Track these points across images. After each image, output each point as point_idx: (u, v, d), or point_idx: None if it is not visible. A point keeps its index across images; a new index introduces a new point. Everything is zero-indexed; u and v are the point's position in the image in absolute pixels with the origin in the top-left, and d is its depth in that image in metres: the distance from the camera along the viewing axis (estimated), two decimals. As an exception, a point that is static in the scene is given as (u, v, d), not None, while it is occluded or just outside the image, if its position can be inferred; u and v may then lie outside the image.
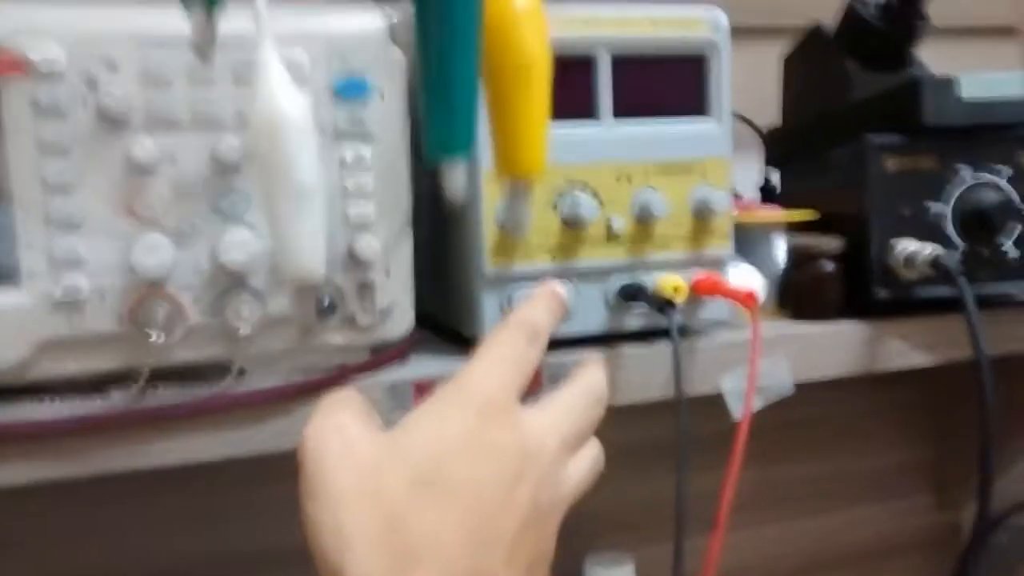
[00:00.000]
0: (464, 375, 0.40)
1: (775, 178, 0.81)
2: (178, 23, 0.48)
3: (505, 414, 0.39)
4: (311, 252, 0.39)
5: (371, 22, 0.51)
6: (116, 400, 0.48)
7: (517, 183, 0.44)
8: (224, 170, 0.49)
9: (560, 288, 0.47)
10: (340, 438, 0.38)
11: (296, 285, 0.40)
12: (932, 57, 0.72)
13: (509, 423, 0.39)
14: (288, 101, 0.38)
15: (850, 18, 0.69)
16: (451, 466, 0.37)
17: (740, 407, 0.58)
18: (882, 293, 0.62)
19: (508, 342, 0.42)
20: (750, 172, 0.83)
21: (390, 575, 0.34)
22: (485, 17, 0.38)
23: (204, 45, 0.41)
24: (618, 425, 0.86)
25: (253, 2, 0.39)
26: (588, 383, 0.44)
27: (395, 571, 0.35)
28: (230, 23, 0.49)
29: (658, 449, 0.87)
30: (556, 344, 0.55)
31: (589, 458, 0.43)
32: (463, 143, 0.40)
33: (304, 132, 0.38)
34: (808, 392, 0.60)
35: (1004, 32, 0.84)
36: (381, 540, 0.35)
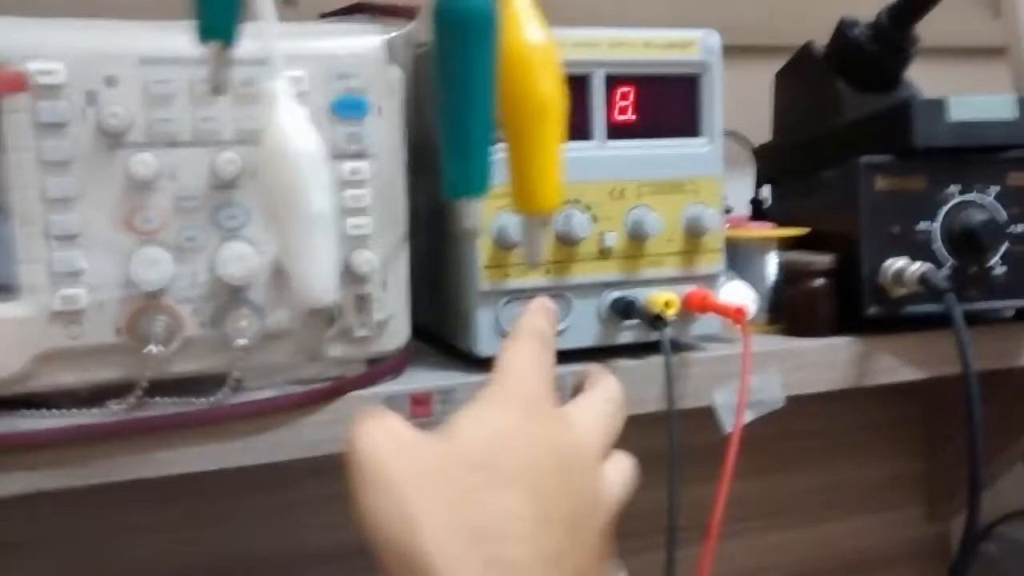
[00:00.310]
0: (501, 378, 0.41)
1: (766, 193, 0.82)
2: (178, 41, 0.49)
3: (550, 408, 0.40)
4: (323, 278, 0.40)
5: (369, 41, 0.52)
6: (115, 411, 0.49)
7: (534, 218, 0.45)
8: (223, 185, 0.50)
9: (549, 301, 0.48)
10: (391, 435, 0.37)
11: (308, 309, 0.41)
12: (921, 77, 0.73)
13: (555, 416, 0.40)
14: (301, 135, 0.39)
15: (841, 39, 0.70)
16: (507, 454, 0.37)
17: (731, 421, 0.58)
18: (872, 309, 0.63)
19: (528, 348, 0.43)
20: (741, 187, 0.84)
21: (470, 550, 0.34)
22: (501, 63, 0.39)
23: (219, 79, 0.42)
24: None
25: (265, 36, 0.40)
26: (609, 390, 0.45)
27: (475, 546, 0.34)
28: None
29: (649, 459, 0.88)
30: (550, 358, 0.56)
31: (626, 468, 0.44)
32: (479, 186, 0.41)
33: (316, 165, 0.38)
34: (800, 405, 0.61)
35: (992, 52, 0.85)
36: (452, 519, 0.34)
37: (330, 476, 0.80)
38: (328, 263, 0.40)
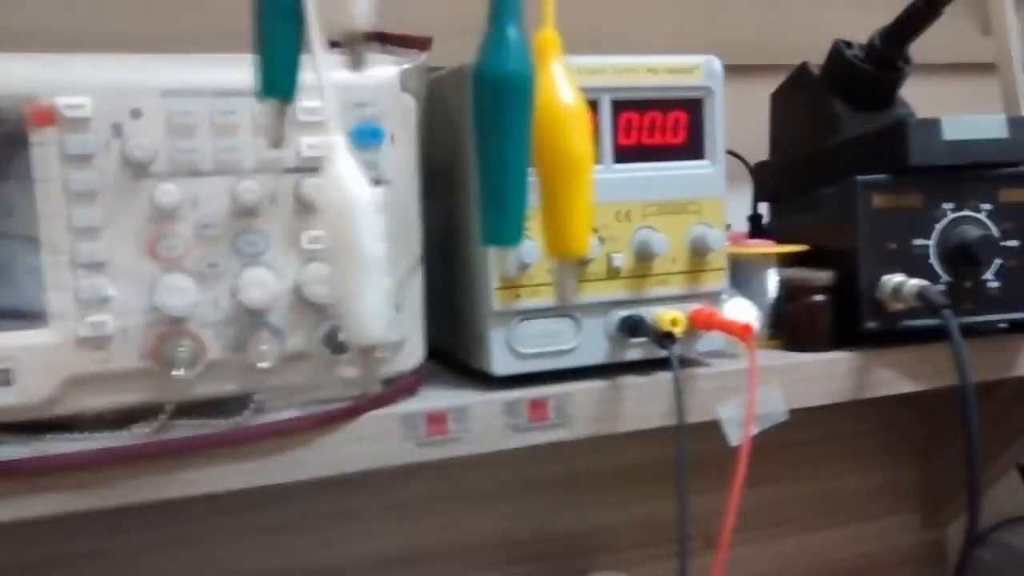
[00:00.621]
0: None
1: (764, 210, 0.84)
2: (199, 74, 0.51)
3: None
4: (377, 318, 0.41)
5: (384, 72, 0.54)
6: (140, 434, 0.50)
7: (565, 262, 0.47)
8: (244, 213, 0.52)
9: None
10: None
11: (362, 347, 0.43)
12: (913, 94, 0.75)
13: None
14: (356, 186, 0.40)
15: (836, 59, 0.72)
16: None
17: (736, 434, 0.60)
18: (871, 324, 0.65)
19: None
20: (738, 204, 0.86)
21: None
22: (536, 123, 0.41)
23: (278, 133, 0.44)
24: (617, 449, 0.88)
25: (323, 94, 0.41)
26: None
27: None
28: (249, 75, 0.52)
29: (654, 471, 0.91)
30: (561, 375, 0.58)
31: None
32: (514, 236, 0.43)
33: (371, 213, 0.40)
34: (797, 414, 0.63)
35: (984, 69, 0.87)
36: None
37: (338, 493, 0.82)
38: (380, 304, 0.42)
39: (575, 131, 0.42)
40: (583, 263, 0.55)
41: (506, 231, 0.41)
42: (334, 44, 0.43)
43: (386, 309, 0.41)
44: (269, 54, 0.42)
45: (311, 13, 0.40)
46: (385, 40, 0.56)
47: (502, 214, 0.41)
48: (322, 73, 0.41)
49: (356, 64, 0.41)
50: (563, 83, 0.42)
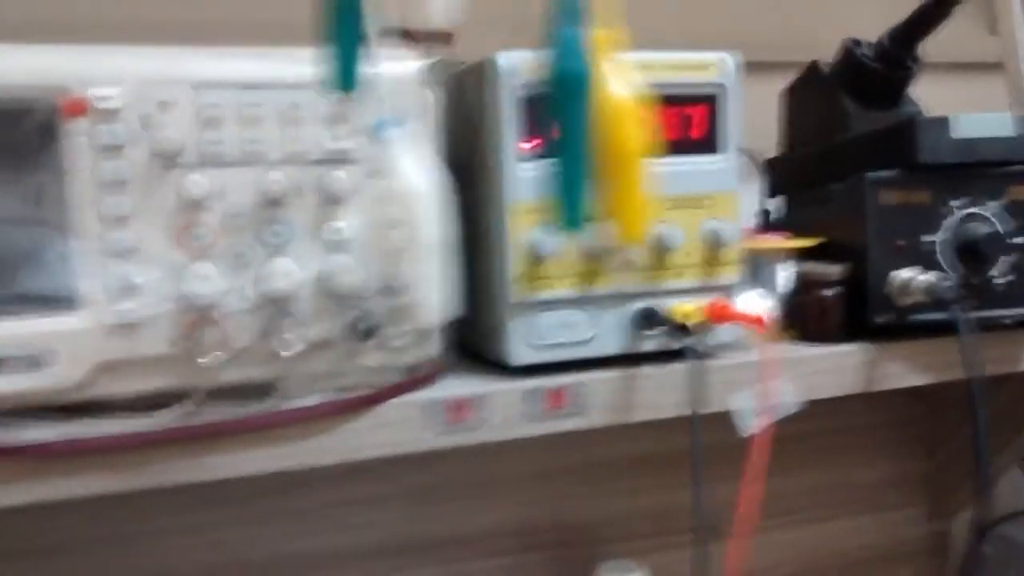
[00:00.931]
0: None
1: (774, 204, 0.85)
2: (227, 66, 0.52)
3: None
4: (435, 300, 0.43)
5: (406, 67, 0.55)
6: (168, 418, 0.51)
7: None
8: (269, 204, 0.53)
9: None
10: None
11: (423, 329, 0.44)
12: (923, 93, 0.76)
13: None
14: (419, 177, 0.42)
15: (846, 58, 0.73)
16: None
17: (747, 425, 0.61)
18: (881, 318, 0.66)
19: None
20: (748, 198, 0.87)
21: None
22: (595, 116, 0.42)
23: (338, 120, 0.45)
24: (630, 438, 0.90)
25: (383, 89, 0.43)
26: None
27: None
28: (276, 68, 0.53)
29: (671, 461, 0.92)
30: (577, 365, 0.59)
31: None
32: (577, 222, 0.44)
33: (433, 202, 0.41)
34: (808, 406, 0.64)
35: (991, 68, 0.88)
36: None
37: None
38: (440, 286, 0.43)
39: (629, 125, 0.43)
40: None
41: (572, 218, 0.42)
42: (403, 36, 0.44)
43: (445, 291, 0.42)
44: (335, 48, 0.43)
45: (372, 7, 0.41)
46: (408, 35, 0.57)
47: (567, 202, 0.42)
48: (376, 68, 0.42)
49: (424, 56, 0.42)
50: (617, 79, 0.43)
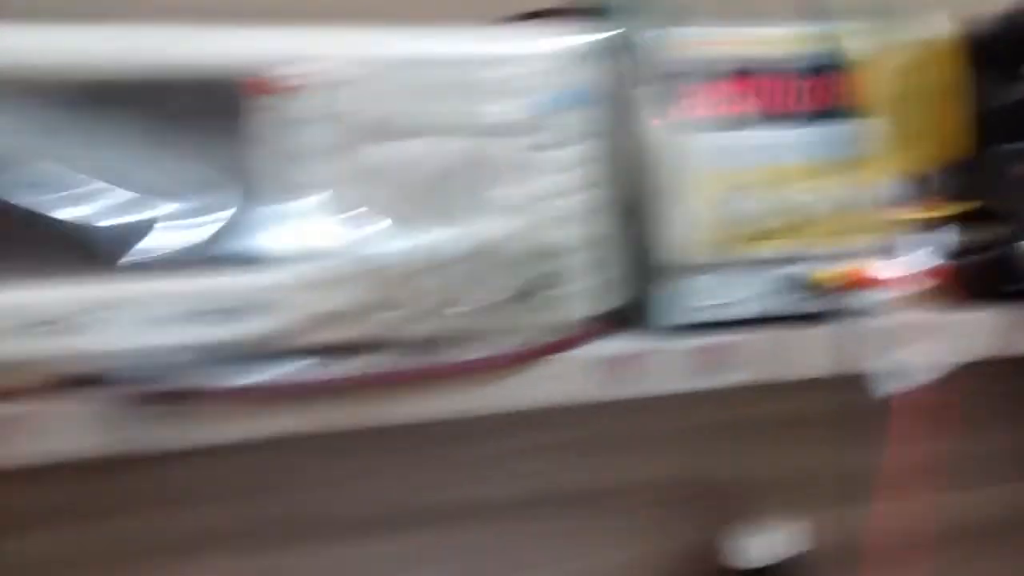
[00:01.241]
0: None
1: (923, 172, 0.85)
2: (403, 44, 0.58)
3: None
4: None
5: (577, 40, 0.59)
6: (366, 365, 0.57)
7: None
8: (444, 174, 0.58)
9: None
10: None
11: (676, 264, 0.50)
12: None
13: None
14: (659, 135, 0.47)
15: (1006, 25, 0.73)
16: None
17: (889, 387, 0.63)
18: (1025, 283, 0.66)
19: None
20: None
21: None
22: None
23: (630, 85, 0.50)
24: (776, 398, 0.92)
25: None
26: None
27: None
28: (452, 46, 0.58)
29: (813, 422, 0.94)
30: (722, 325, 0.63)
31: None
32: None
33: (671, 155, 0.46)
34: (954, 371, 0.65)
35: None
36: None
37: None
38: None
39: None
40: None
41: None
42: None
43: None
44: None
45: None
46: (562, 13, 0.61)
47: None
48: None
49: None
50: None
